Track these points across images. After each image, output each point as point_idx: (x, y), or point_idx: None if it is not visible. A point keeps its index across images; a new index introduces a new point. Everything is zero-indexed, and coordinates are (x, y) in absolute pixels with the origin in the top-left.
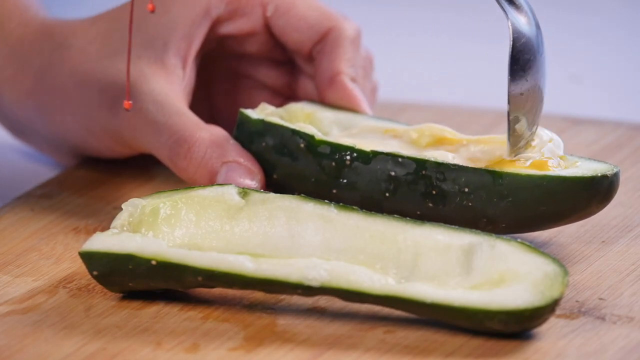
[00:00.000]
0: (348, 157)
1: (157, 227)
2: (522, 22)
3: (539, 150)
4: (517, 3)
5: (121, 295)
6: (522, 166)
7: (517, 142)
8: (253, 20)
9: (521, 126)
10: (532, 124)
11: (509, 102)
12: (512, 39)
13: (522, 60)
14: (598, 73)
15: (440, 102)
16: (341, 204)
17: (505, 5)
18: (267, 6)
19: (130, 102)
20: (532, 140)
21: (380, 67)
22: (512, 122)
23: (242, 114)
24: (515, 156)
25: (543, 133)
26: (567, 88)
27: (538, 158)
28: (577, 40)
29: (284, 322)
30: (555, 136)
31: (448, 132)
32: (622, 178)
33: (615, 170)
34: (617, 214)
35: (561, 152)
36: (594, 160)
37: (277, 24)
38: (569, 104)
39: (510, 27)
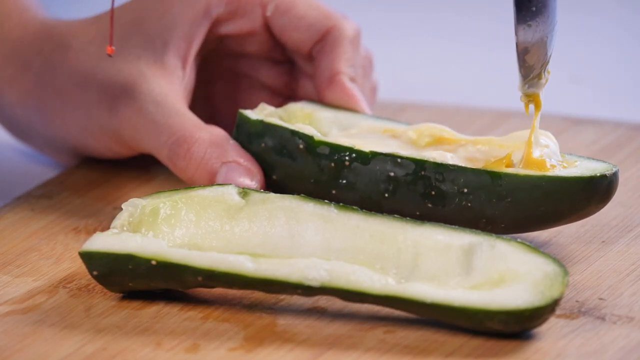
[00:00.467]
0: (347, 158)
1: (157, 227)
2: None
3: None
4: None
5: (121, 295)
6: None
7: (528, 73)
8: (253, 20)
9: (531, 57)
10: (544, 53)
11: (516, 33)
12: None
13: None
14: (598, 73)
15: (440, 102)
16: (341, 204)
17: None
18: (266, 6)
19: (113, 47)
20: (546, 73)
21: (380, 67)
22: (521, 53)
23: (241, 115)
24: (528, 88)
25: (540, 139)
26: (567, 88)
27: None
28: (577, 40)
29: (284, 322)
30: (551, 143)
31: (447, 132)
32: (622, 178)
33: (614, 169)
34: (617, 214)
35: (558, 158)
36: (593, 159)
37: (277, 24)
38: (569, 104)
39: None
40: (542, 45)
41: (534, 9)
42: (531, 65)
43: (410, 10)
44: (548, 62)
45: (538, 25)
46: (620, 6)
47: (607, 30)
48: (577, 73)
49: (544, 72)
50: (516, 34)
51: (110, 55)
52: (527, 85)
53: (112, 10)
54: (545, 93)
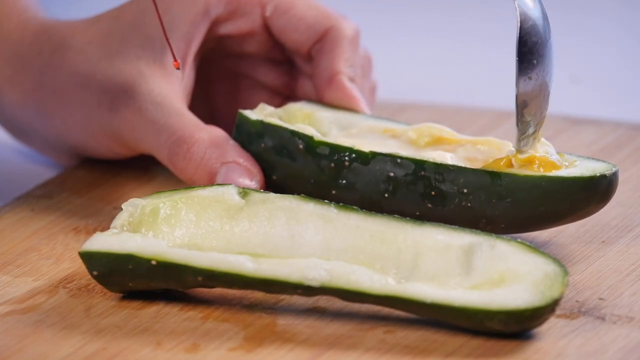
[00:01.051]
0: (347, 158)
1: (157, 227)
2: (529, 5)
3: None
4: None
5: (121, 295)
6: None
7: (525, 129)
8: (252, 20)
9: (529, 112)
10: (540, 111)
11: (517, 86)
12: (519, 20)
13: (530, 42)
14: (598, 73)
15: (440, 102)
16: (341, 204)
17: None
18: (266, 6)
19: (178, 61)
20: (540, 129)
21: (380, 67)
22: (520, 107)
23: (241, 115)
24: (522, 146)
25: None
26: (567, 88)
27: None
28: (577, 40)
29: (284, 322)
30: (548, 148)
31: (446, 132)
32: (622, 178)
33: (614, 169)
34: (617, 214)
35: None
36: (593, 159)
37: (276, 24)
38: (569, 104)
39: (518, 9)
40: (540, 101)
41: (535, 61)
42: (528, 121)
43: (410, 10)
44: (543, 121)
45: (538, 79)
46: (620, 6)
47: (607, 30)
48: (577, 73)
49: (539, 131)
50: (517, 86)
51: (178, 69)
52: (522, 143)
53: (162, 25)
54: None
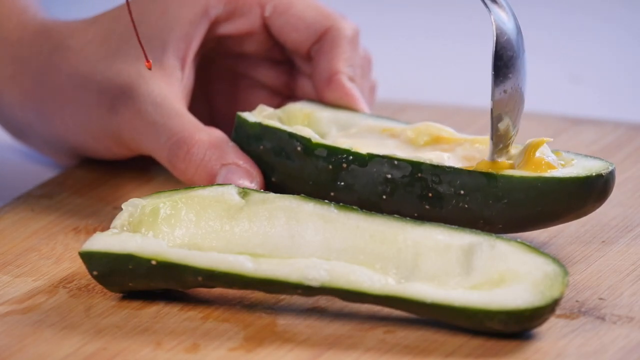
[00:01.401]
0: (344, 160)
1: (157, 227)
2: (504, 20)
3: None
4: (498, 2)
5: (121, 295)
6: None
7: (499, 142)
8: (251, 20)
9: (504, 125)
10: (514, 124)
11: (492, 100)
12: (495, 34)
13: (506, 56)
14: (598, 73)
15: (440, 102)
16: (341, 204)
17: (488, 2)
18: (265, 6)
19: (150, 61)
20: (513, 142)
21: (380, 67)
22: (495, 121)
23: (240, 117)
24: (496, 158)
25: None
26: (567, 88)
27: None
28: (577, 40)
29: (284, 322)
30: (543, 148)
31: (445, 131)
32: (622, 178)
33: (610, 168)
34: (617, 214)
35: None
36: (590, 157)
37: (276, 24)
38: (569, 104)
39: (494, 23)
40: (515, 114)
41: (510, 75)
42: (502, 134)
43: (411, 10)
44: (515, 135)
45: (512, 93)
46: (620, 6)
47: (607, 30)
48: (577, 73)
49: (511, 144)
50: (492, 99)
51: (149, 69)
52: (495, 155)
53: (135, 26)
54: (544, 93)
